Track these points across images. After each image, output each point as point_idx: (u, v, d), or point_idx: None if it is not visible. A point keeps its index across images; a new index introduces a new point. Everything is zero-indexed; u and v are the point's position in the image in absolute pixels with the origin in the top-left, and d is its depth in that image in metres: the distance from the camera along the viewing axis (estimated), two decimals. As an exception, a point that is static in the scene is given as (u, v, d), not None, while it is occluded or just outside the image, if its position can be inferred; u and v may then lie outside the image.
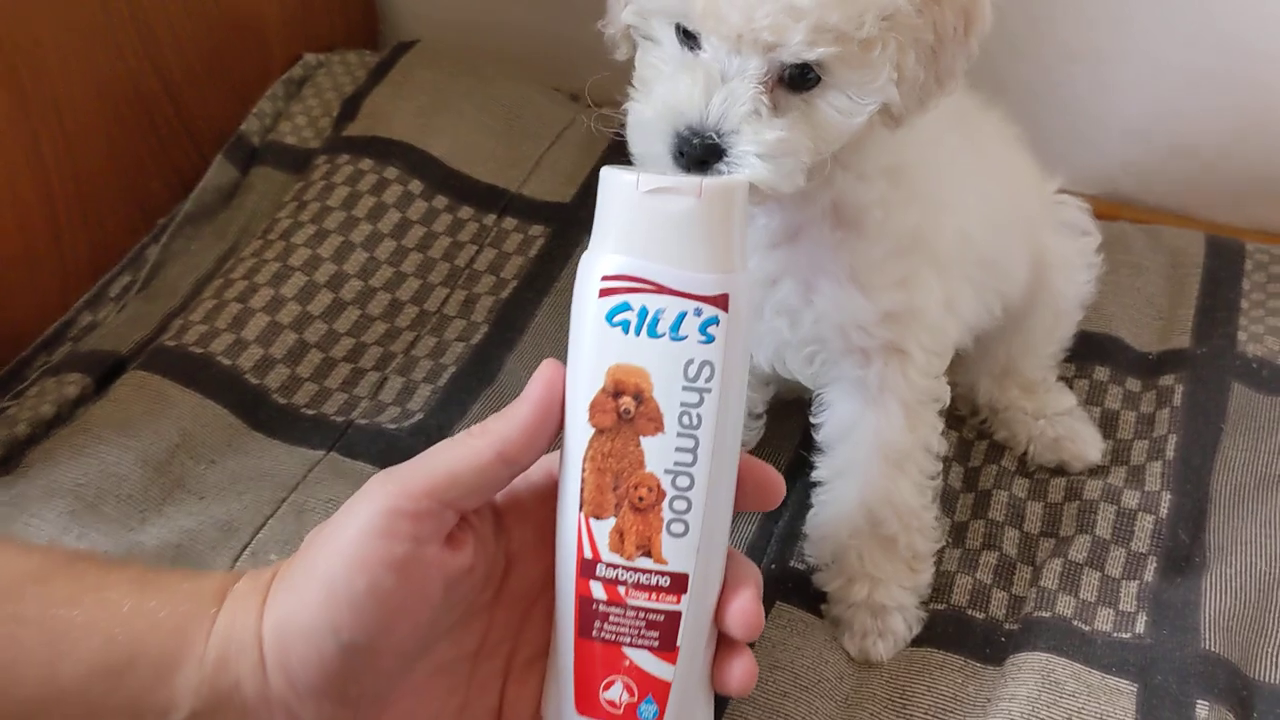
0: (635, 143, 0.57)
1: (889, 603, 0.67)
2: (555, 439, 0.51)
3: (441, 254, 0.91)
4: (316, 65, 1.05)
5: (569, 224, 0.93)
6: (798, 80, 0.55)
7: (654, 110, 0.55)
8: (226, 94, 1.00)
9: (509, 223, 0.94)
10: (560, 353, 0.88)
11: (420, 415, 0.79)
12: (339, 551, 0.47)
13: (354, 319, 0.85)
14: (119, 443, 0.73)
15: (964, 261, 0.65)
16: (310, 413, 0.80)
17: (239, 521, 0.70)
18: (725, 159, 0.54)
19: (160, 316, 0.85)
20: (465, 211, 0.94)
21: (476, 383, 0.82)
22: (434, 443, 0.75)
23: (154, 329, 0.84)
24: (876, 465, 0.66)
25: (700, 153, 0.54)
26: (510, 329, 0.86)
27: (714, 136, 0.54)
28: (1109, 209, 0.97)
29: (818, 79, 0.55)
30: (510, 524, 0.53)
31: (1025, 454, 0.79)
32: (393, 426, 0.78)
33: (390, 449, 0.77)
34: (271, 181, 0.96)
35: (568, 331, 0.85)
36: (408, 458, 0.75)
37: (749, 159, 0.54)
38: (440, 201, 0.94)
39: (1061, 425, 0.78)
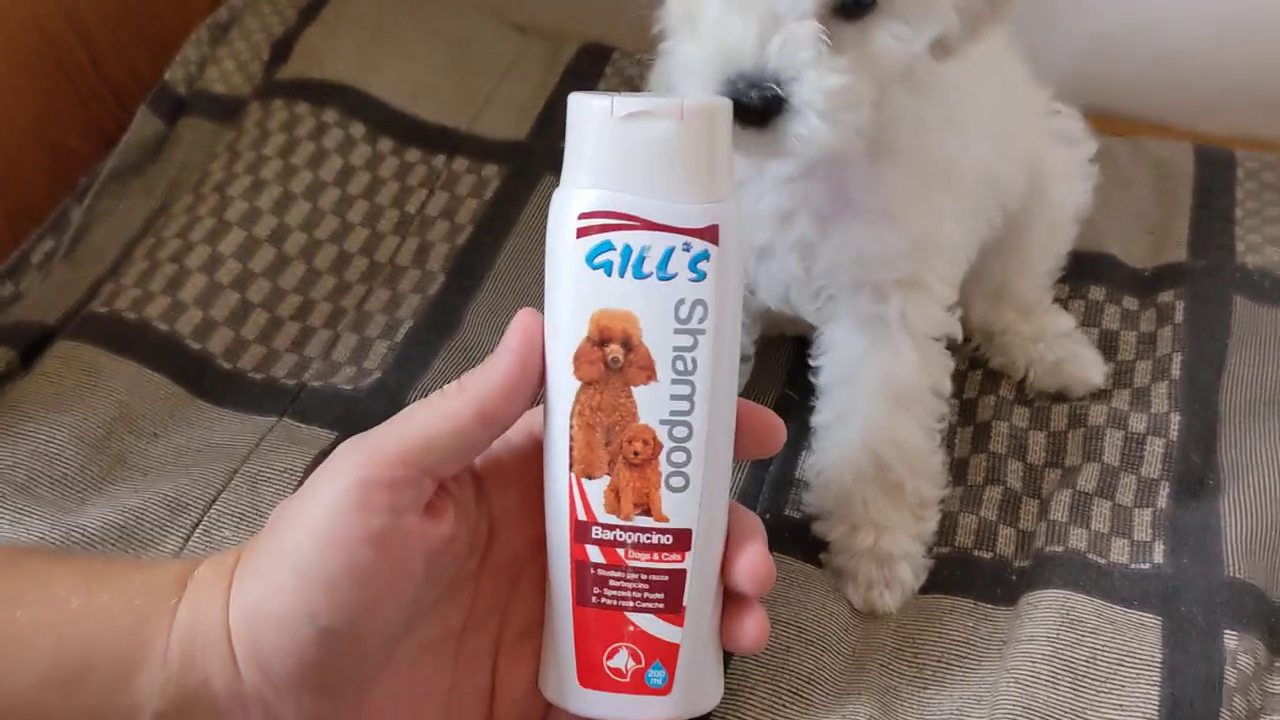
0: (681, 87, 0.52)
1: (895, 550, 0.63)
2: (537, 394, 0.47)
3: (390, 200, 0.85)
4: (242, 7, 0.97)
5: (526, 162, 0.88)
6: (850, 8, 0.50)
7: (703, 52, 0.50)
8: (147, 41, 0.92)
9: (460, 164, 0.88)
10: (525, 300, 0.83)
11: (378, 374, 0.74)
12: (310, 529, 0.42)
13: (300, 274, 0.79)
14: (50, 420, 0.67)
15: (981, 180, 0.61)
16: (258, 377, 0.74)
17: (188, 497, 0.64)
18: (786, 112, 0.49)
19: (88, 282, 0.78)
20: (412, 154, 0.88)
21: (436, 336, 0.76)
22: (395, 403, 0.72)
23: (82, 296, 0.77)
24: (883, 406, 0.62)
25: (760, 105, 0.49)
26: (469, 277, 0.80)
27: (774, 87, 0.49)
28: (1087, 121, 0.93)
29: (872, 3, 0.50)
30: (491, 489, 0.49)
31: (1024, 380, 0.75)
32: (349, 388, 0.73)
33: (348, 412, 0.71)
34: (201, 132, 0.89)
35: (531, 277, 0.80)
36: (367, 421, 0.70)
37: (810, 118, 0.49)
38: (385, 145, 0.87)
39: (1061, 348, 0.74)
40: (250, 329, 0.76)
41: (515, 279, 0.79)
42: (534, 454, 0.50)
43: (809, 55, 0.49)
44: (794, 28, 0.49)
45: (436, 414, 0.45)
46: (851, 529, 0.63)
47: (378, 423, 0.68)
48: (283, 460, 0.67)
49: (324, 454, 0.67)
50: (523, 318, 0.47)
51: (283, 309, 0.77)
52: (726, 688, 0.55)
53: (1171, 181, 0.86)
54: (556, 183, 0.84)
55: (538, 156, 0.88)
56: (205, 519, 0.63)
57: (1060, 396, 0.74)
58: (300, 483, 0.65)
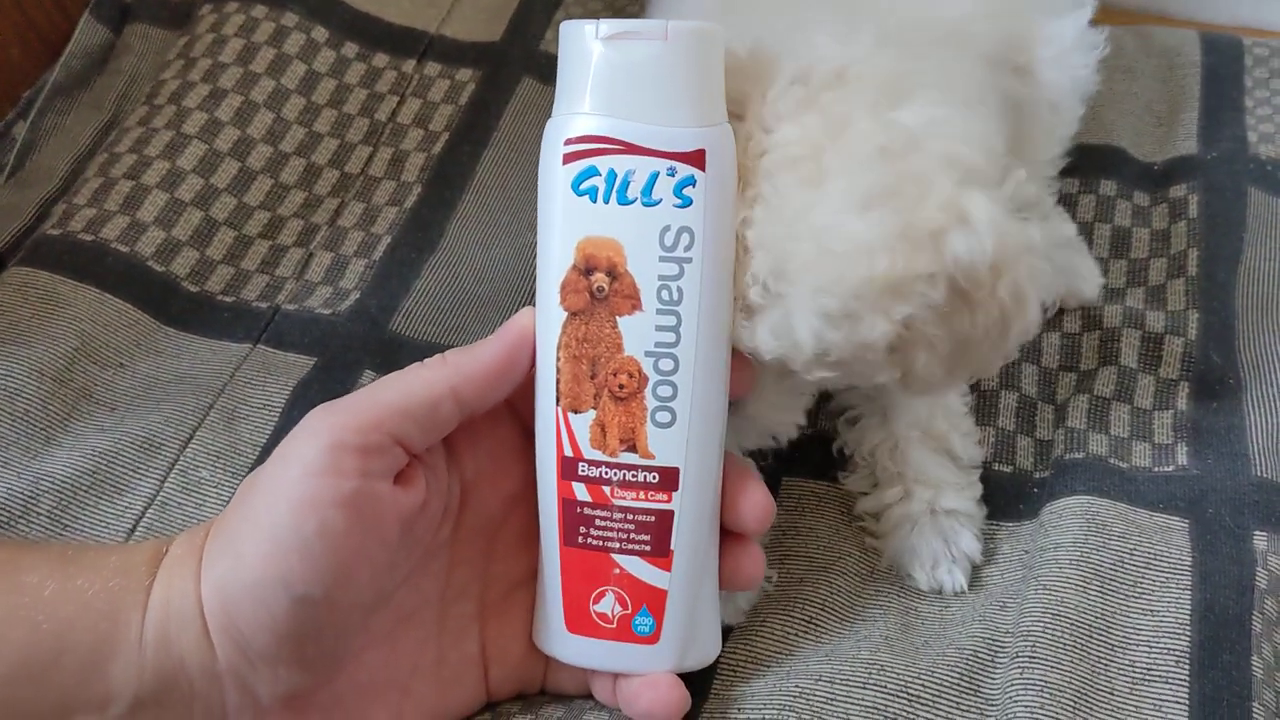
0: None
1: (957, 508, 0.59)
2: (514, 388, 0.47)
3: (359, 108, 0.79)
4: (186, -97, 0.91)
5: (501, 65, 0.83)
6: None
7: None
8: (85, -59, 0.86)
9: (432, 68, 0.82)
10: (512, 211, 0.78)
11: (357, 294, 0.69)
12: (281, 495, 0.41)
13: (266, 189, 0.74)
14: (7, 352, 0.63)
15: None
16: (228, 300, 0.69)
17: (161, 436, 0.60)
18: None
19: (37, 203, 0.73)
20: (380, 59, 0.82)
21: (417, 253, 0.72)
22: (378, 327, 0.68)
23: (31, 217, 0.72)
24: None
25: None
26: (448, 187, 0.75)
27: None
28: None
29: None
30: (462, 449, 0.48)
31: None
32: (327, 311, 0.68)
33: (327, 337, 0.67)
34: (150, 40, 0.83)
35: (517, 186, 0.76)
36: (347, 347, 0.67)
37: None
38: (350, 49, 0.82)
39: (1058, 258, 0.70)
40: (217, 249, 0.71)
41: (499, 189, 0.75)
42: (503, 410, 0.49)
43: None
44: None
45: (412, 382, 0.45)
46: (905, 494, 0.60)
47: (360, 346, 0.66)
48: (261, 393, 0.63)
49: (303, 383, 0.64)
50: (521, 315, 0.46)
51: (250, 227, 0.73)
52: (738, 623, 0.53)
53: (1179, 71, 0.83)
54: (535, 86, 0.82)
55: (514, 60, 0.83)
56: (181, 459, 0.60)
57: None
58: (280, 418, 0.62)
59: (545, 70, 0.82)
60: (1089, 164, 0.76)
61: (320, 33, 0.81)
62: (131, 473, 0.59)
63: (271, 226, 0.73)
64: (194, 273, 0.70)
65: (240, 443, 0.61)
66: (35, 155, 0.77)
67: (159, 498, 0.58)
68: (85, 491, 0.58)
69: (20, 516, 0.56)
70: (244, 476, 0.59)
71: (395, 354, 0.66)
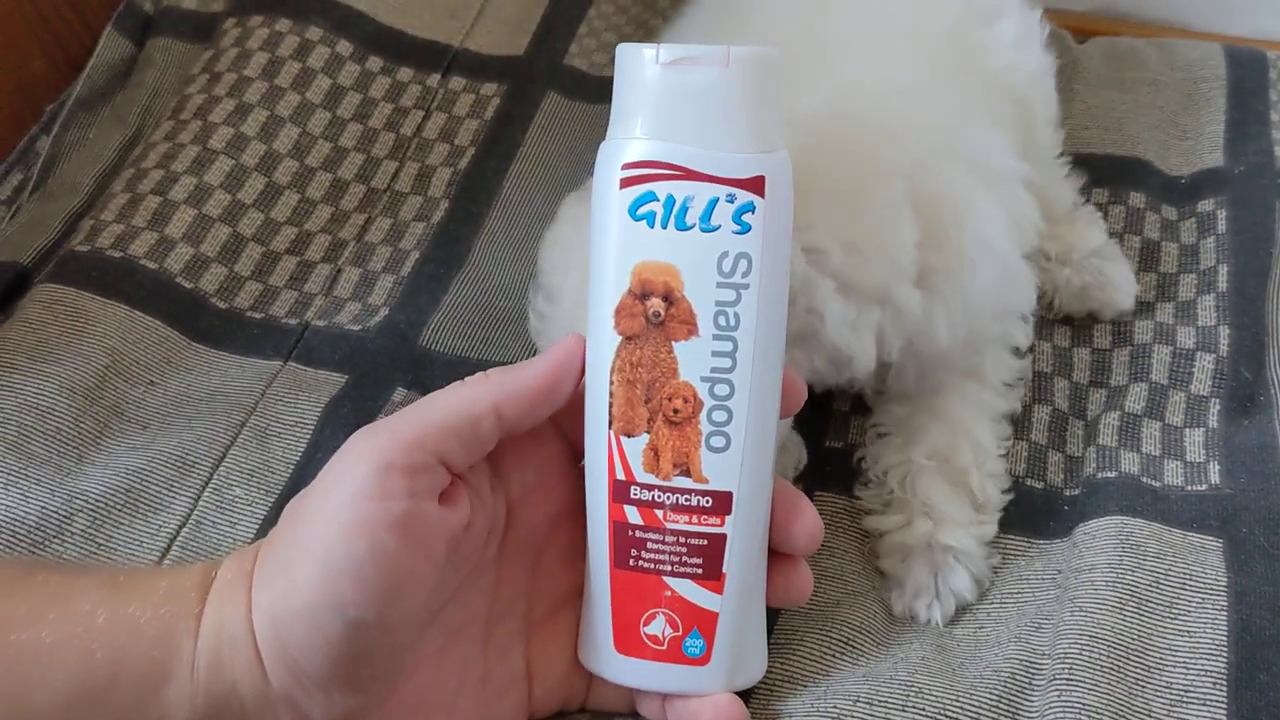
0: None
1: (955, 544, 0.58)
2: (557, 409, 0.47)
3: (384, 123, 0.79)
4: (208, -84, 0.91)
5: (526, 79, 0.82)
6: None
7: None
8: (109, -46, 0.86)
9: (456, 82, 0.82)
10: (538, 227, 0.78)
11: (386, 310, 0.69)
12: (331, 519, 0.41)
13: (293, 205, 0.74)
14: (36, 370, 0.63)
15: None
16: (257, 316, 0.69)
17: (194, 454, 0.60)
18: None
19: (63, 217, 0.73)
20: (404, 73, 0.82)
21: (445, 269, 0.72)
22: (408, 342, 0.68)
23: (58, 232, 0.72)
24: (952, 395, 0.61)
25: None
26: (474, 202, 0.75)
27: None
28: (1108, 25, 0.91)
29: None
30: (507, 468, 0.48)
31: (1050, 305, 0.71)
32: (356, 328, 0.68)
33: (356, 353, 0.67)
34: (173, 54, 0.83)
35: (541, 201, 0.76)
36: (377, 363, 0.67)
37: None
38: (374, 63, 0.82)
39: (1089, 271, 0.70)
40: (245, 265, 0.71)
41: (524, 204, 0.75)
42: (549, 429, 0.49)
43: None
44: None
45: (455, 399, 0.45)
46: (908, 521, 0.59)
47: (390, 363, 0.66)
48: (293, 411, 0.63)
49: (335, 400, 0.64)
50: (570, 339, 0.46)
51: (277, 242, 0.73)
52: (774, 642, 0.53)
53: (1203, 85, 0.82)
54: (560, 101, 0.82)
55: (538, 74, 0.83)
56: (215, 477, 0.60)
57: (1090, 320, 0.71)
58: (313, 435, 0.62)
59: (570, 85, 0.82)
60: (1116, 175, 0.76)
61: (345, 46, 0.81)
62: (165, 491, 0.59)
63: (299, 242, 0.73)
64: (222, 289, 0.70)
65: (274, 460, 0.61)
66: (59, 169, 0.78)
67: (193, 516, 0.58)
68: (119, 510, 0.58)
69: (55, 536, 0.56)
70: (278, 495, 0.59)
71: (426, 370, 0.66)
